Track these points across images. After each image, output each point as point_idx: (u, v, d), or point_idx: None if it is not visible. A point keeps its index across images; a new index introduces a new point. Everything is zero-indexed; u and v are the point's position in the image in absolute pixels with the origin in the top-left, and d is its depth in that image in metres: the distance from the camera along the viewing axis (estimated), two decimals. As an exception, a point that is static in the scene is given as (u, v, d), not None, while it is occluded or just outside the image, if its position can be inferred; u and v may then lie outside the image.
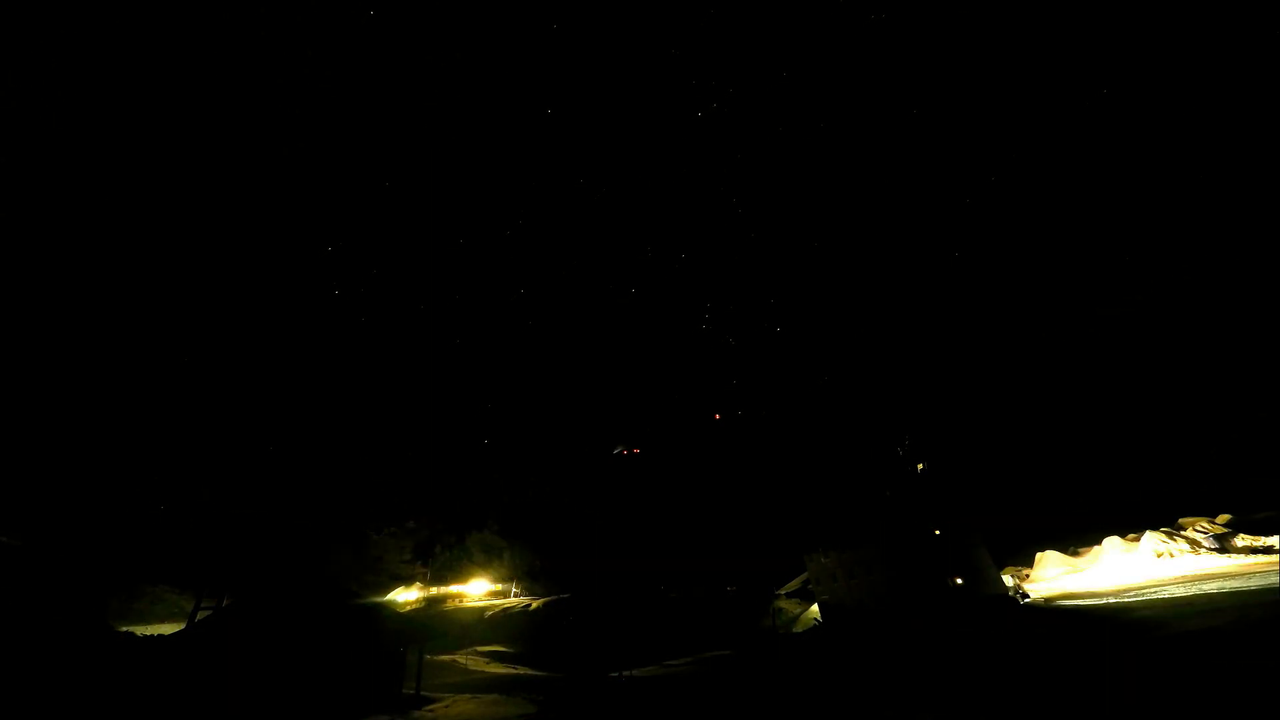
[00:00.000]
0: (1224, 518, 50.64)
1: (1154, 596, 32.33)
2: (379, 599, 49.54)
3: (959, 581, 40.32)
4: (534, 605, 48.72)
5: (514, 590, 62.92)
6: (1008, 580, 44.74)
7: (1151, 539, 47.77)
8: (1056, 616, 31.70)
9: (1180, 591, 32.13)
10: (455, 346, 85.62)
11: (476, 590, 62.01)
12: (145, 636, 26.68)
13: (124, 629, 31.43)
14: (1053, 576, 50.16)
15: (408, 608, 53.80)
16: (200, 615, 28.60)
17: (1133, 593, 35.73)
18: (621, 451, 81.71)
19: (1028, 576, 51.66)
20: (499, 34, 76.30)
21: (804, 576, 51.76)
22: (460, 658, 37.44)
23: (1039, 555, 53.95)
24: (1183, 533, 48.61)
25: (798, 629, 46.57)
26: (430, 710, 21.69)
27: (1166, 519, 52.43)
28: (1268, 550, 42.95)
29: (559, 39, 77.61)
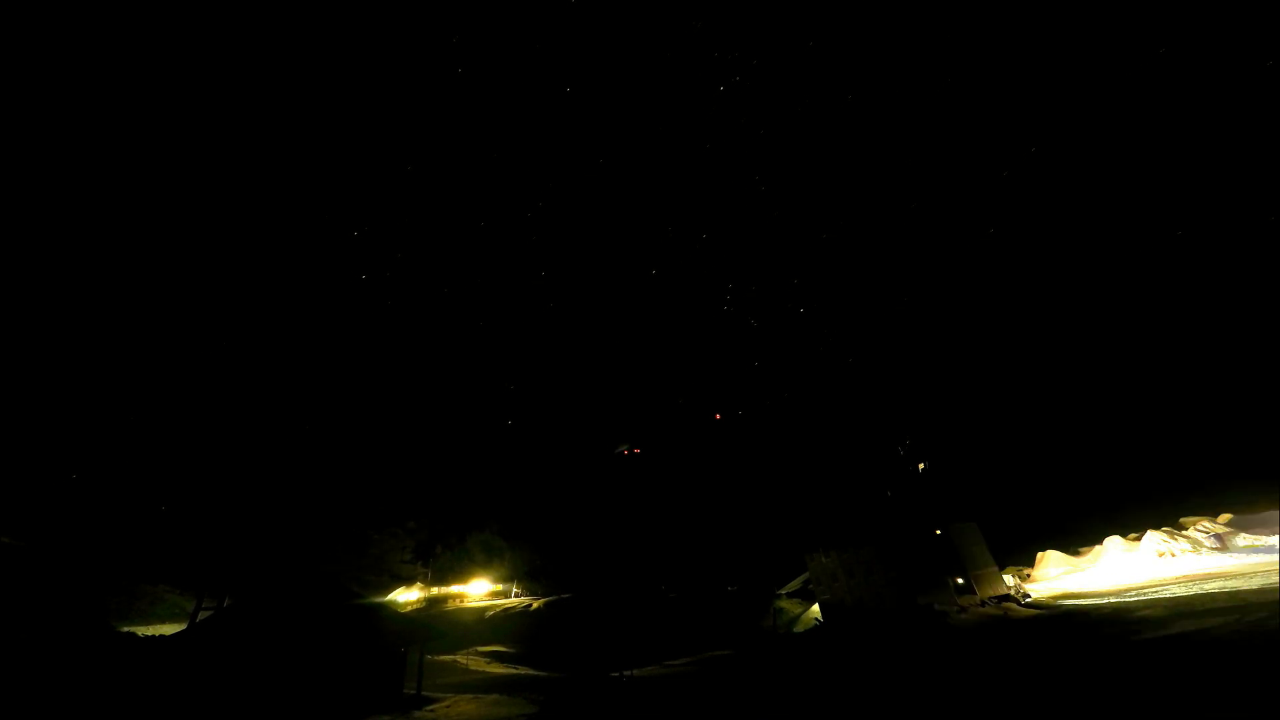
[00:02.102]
0: (1225, 517, 50.61)
1: (1155, 596, 32.32)
2: (380, 599, 49.52)
3: (959, 581, 40.35)
4: (534, 605, 48.73)
5: (515, 590, 62.93)
6: (1009, 580, 44.70)
7: (1153, 538, 47.74)
8: (1058, 616, 31.68)
9: (1182, 591, 32.11)
10: (478, 329, 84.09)
11: (477, 590, 62.02)
12: (146, 637, 26.67)
13: (125, 629, 31.42)
14: (1054, 576, 50.13)
15: (409, 608, 53.81)
16: (201, 615, 28.62)
17: (1134, 592, 35.72)
18: (623, 451, 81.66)
19: (1029, 576, 51.63)
20: (517, 11, 73.38)
21: (804, 576, 51.77)
22: (461, 658, 37.46)
23: (1040, 555, 53.93)
24: (1184, 532, 48.58)
25: (798, 629, 46.55)
26: (431, 710, 21.69)
27: (1168, 518, 52.47)
28: (1269, 550, 42.95)
29: (576, 14, 74.06)
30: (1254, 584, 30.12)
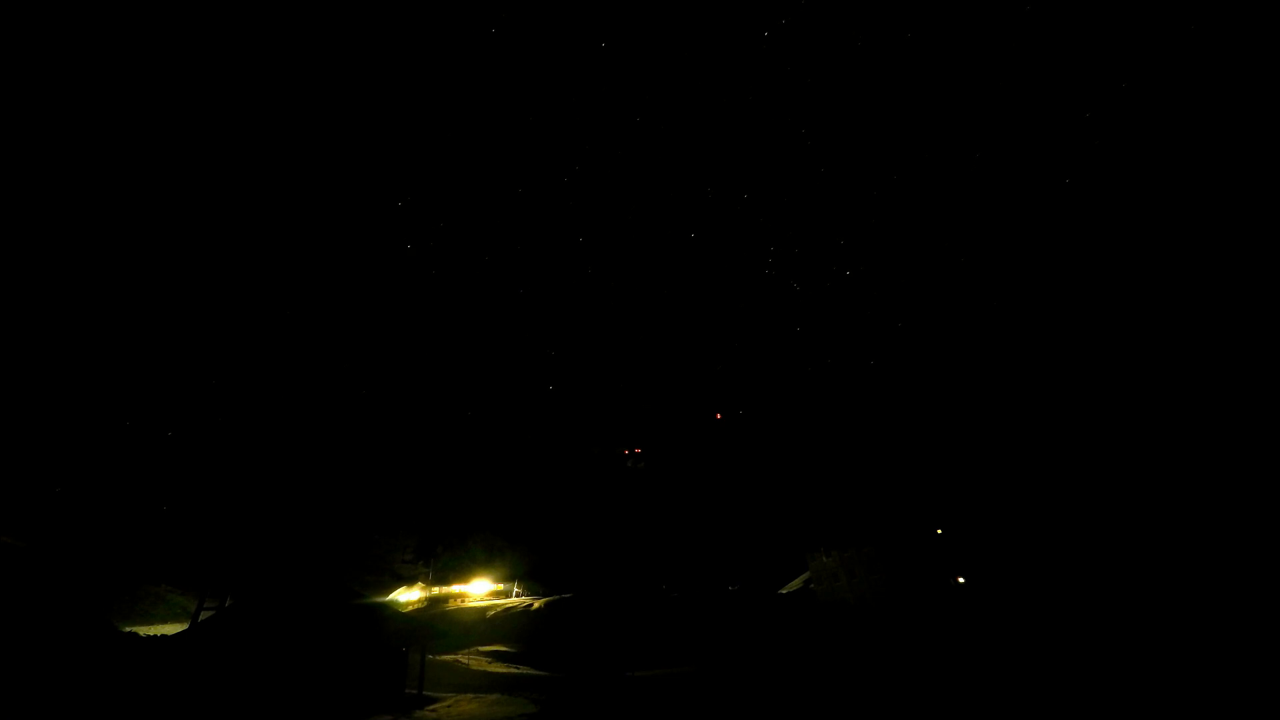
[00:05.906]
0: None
1: (1156, 596, 32.30)
2: (381, 599, 49.61)
3: (960, 581, 40.36)
4: (536, 605, 48.78)
5: (516, 590, 62.98)
6: (1009, 579, 44.69)
7: (1153, 538, 47.71)
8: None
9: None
10: (518, 296, 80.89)
11: (478, 590, 62.07)
12: (148, 637, 26.73)
13: (127, 629, 31.48)
14: (1054, 576, 50.13)
15: (410, 607, 53.89)
16: (203, 615, 28.69)
17: (1134, 592, 35.70)
18: (624, 451, 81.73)
19: (1029, 576, 51.63)
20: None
21: (805, 576, 51.85)
22: (462, 657, 37.50)
23: (1040, 554, 53.93)
24: (1184, 532, 48.54)
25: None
26: (433, 710, 21.72)
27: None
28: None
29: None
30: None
